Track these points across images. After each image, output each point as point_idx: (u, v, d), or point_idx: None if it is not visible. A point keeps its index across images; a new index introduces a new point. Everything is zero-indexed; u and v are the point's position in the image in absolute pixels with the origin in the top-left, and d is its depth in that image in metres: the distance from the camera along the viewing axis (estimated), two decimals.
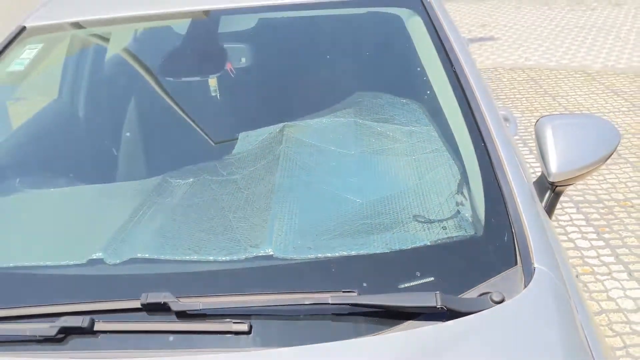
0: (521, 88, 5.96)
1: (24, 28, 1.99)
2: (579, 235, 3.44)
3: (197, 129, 1.90)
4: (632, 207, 3.70)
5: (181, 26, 1.99)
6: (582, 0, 9.83)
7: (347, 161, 1.64)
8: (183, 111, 1.93)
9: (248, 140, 1.83)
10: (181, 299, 1.17)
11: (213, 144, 1.89)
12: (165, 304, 1.17)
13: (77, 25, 1.97)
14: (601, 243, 3.35)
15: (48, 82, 2.06)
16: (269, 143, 1.76)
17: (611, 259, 3.20)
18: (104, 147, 1.87)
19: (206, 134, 1.89)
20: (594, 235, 3.43)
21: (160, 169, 1.75)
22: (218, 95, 1.90)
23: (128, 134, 1.86)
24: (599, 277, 3.08)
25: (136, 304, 1.18)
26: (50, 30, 1.99)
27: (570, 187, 3.96)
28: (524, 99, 5.67)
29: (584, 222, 3.57)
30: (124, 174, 1.78)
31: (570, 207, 3.73)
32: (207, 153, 1.83)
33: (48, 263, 1.34)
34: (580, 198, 3.83)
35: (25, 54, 1.85)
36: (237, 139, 1.83)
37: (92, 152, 1.88)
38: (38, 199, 1.65)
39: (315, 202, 1.48)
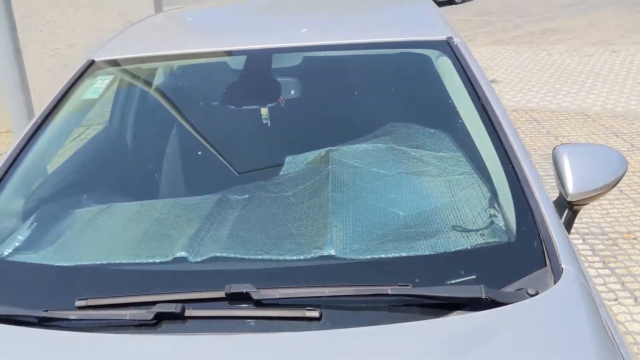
0: (524, 128, 6.23)
1: (93, 61, 2.23)
2: (586, 264, 3.63)
3: (250, 152, 2.11)
4: (635, 239, 3.90)
5: (235, 62, 2.23)
6: (580, 47, 10.23)
7: (387, 180, 1.85)
8: (237, 137, 2.15)
9: (294, 163, 2.05)
10: (261, 290, 1.37)
11: (263, 166, 2.11)
12: (247, 293, 1.36)
13: (141, 60, 2.21)
14: (607, 272, 3.54)
15: (116, 109, 2.28)
16: (316, 165, 1.98)
17: (617, 286, 3.39)
18: (169, 167, 2.08)
19: (257, 157, 2.10)
20: (600, 265, 3.62)
21: (218, 187, 1.96)
22: (269, 123, 2.13)
23: (200, 152, 2.08)
24: (606, 302, 3.26)
25: (220, 293, 1.38)
26: (116, 63, 2.23)
27: (576, 221, 4.16)
28: (527, 138, 5.92)
29: (590, 252, 3.76)
30: (187, 190, 1.99)
31: (577, 239, 3.93)
32: (258, 174, 2.04)
33: (139, 260, 1.54)
34: (586, 230, 4.04)
35: (97, 84, 2.08)
36: (284, 161, 2.05)
37: (158, 171, 2.09)
38: (114, 211, 1.85)
39: (365, 213, 1.69)
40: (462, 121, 1.97)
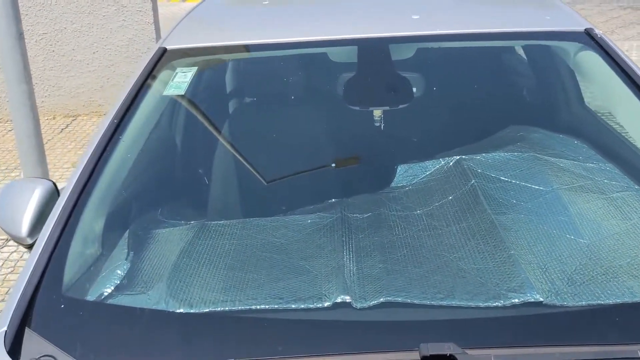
0: None
1: (165, 50, 1.86)
2: None
3: (362, 160, 1.79)
4: None
5: (340, 54, 1.89)
6: None
7: (547, 198, 1.56)
8: (345, 142, 1.82)
9: (411, 173, 1.74)
10: (468, 351, 1.06)
11: (374, 177, 1.79)
12: (451, 357, 1.05)
13: (225, 49, 1.85)
14: None
15: (192, 106, 1.91)
16: (448, 176, 1.67)
17: None
18: (262, 176, 1.74)
19: (371, 166, 1.79)
20: None
21: (327, 202, 1.64)
22: (382, 125, 1.80)
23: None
24: None
25: (414, 355, 1.07)
26: (194, 53, 1.87)
27: None
28: None
29: None
30: (289, 205, 1.65)
31: None
32: (373, 185, 1.72)
33: (286, 306, 1.21)
34: None
35: (179, 78, 1.72)
36: (402, 171, 1.74)
37: (248, 181, 1.75)
38: (213, 233, 1.51)
39: (544, 242, 1.39)
40: (621, 125, 1.69)
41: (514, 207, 1.52)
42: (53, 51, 6.41)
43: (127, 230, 1.50)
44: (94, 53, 6.49)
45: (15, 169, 5.08)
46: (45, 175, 4.49)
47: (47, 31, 6.30)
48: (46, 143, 5.94)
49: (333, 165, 1.72)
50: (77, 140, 6.07)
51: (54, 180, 1.69)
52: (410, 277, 1.29)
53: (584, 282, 1.26)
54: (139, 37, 6.48)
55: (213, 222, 1.59)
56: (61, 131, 6.41)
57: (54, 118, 6.76)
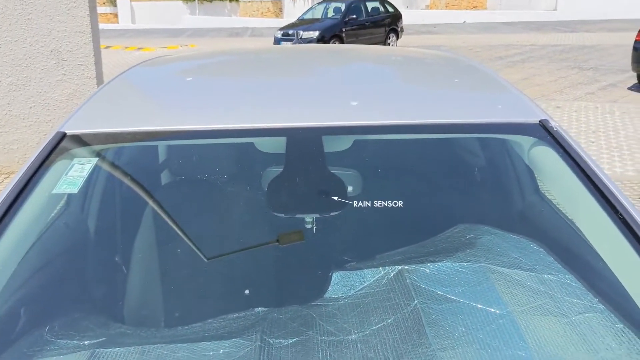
0: None
1: (64, 135, 1.59)
2: None
3: (287, 269, 1.55)
4: None
5: (267, 144, 1.66)
6: None
7: (501, 324, 1.34)
8: (269, 248, 1.57)
9: (347, 283, 1.51)
10: None
11: (303, 287, 1.55)
12: None
13: (134, 137, 1.59)
14: None
15: (94, 203, 1.63)
16: (388, 291, 1.44)
17: None
18: (169, 290, 1.46)
19: (298, 276, 1.54)
20: None
21: (245, 321, 1.38)
22: (314, 228, 1.56)
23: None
24: None
25: None
26: (97, 140, 1.60)
27: None
28: None
29: None
30: (199, 325, 1.38)
31: None
32: (299, 299, 1.47)
33: None
34: None
35: (74, 172, 1.45)
36: (331, 279, 1.50)
37: (151, 297, 1.48)
38: None
39: None
40: (577, 229, 1.50)
41: (462, 338, 1.29)
42: None
43: None
44: (30, 108, 6.16)
45: None
46: None
47: None
48: None
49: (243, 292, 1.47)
50: None
51: None
52: None
53: None
54: (79, 92, 6.20)
55: (107, 350, 1.30)
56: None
57: None
